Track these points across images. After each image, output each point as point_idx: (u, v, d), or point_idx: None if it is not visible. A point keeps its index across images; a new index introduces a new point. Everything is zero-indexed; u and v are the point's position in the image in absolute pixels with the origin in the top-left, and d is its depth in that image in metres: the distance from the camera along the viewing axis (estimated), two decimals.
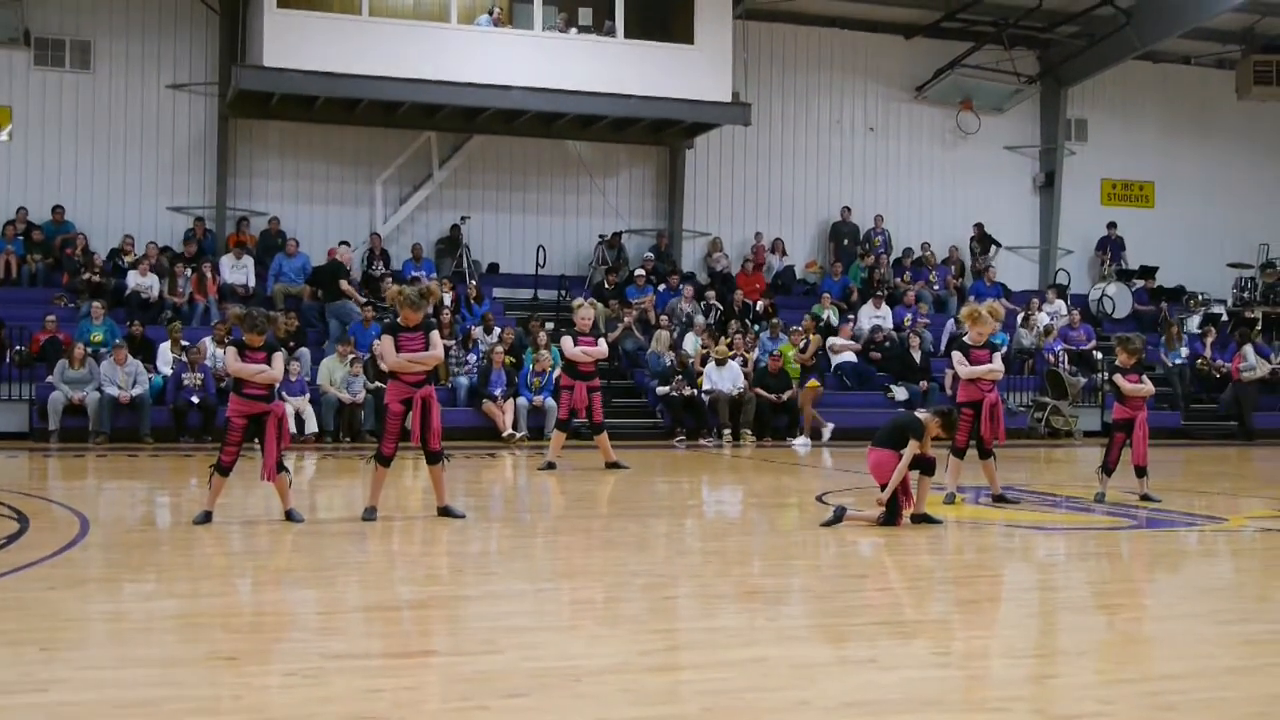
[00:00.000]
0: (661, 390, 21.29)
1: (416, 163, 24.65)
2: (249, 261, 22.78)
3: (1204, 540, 10.78)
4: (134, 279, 21.70)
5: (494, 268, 25.11)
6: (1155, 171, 29.45)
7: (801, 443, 20.47)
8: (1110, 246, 28.40)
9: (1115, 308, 27.05)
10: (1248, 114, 29.12)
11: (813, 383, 21.07)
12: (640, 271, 24.40)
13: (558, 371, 18.27)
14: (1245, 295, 28.05)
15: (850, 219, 26.98)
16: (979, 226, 27.57)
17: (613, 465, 15.39)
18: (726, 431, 20.81)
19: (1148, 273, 27.86)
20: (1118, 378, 12.54)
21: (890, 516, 10.25)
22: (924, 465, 10.43)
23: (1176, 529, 11.19)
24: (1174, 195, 29.41)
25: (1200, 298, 27.84)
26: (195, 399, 19.07)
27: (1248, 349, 24.69)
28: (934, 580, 8.51)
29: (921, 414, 10.73)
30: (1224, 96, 28.58)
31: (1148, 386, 12.64)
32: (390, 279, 21.48)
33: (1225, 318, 27.50)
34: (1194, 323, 27.01)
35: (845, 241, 26.73)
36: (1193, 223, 29.19)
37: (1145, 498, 12.41)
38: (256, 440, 10.16)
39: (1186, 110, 29.41)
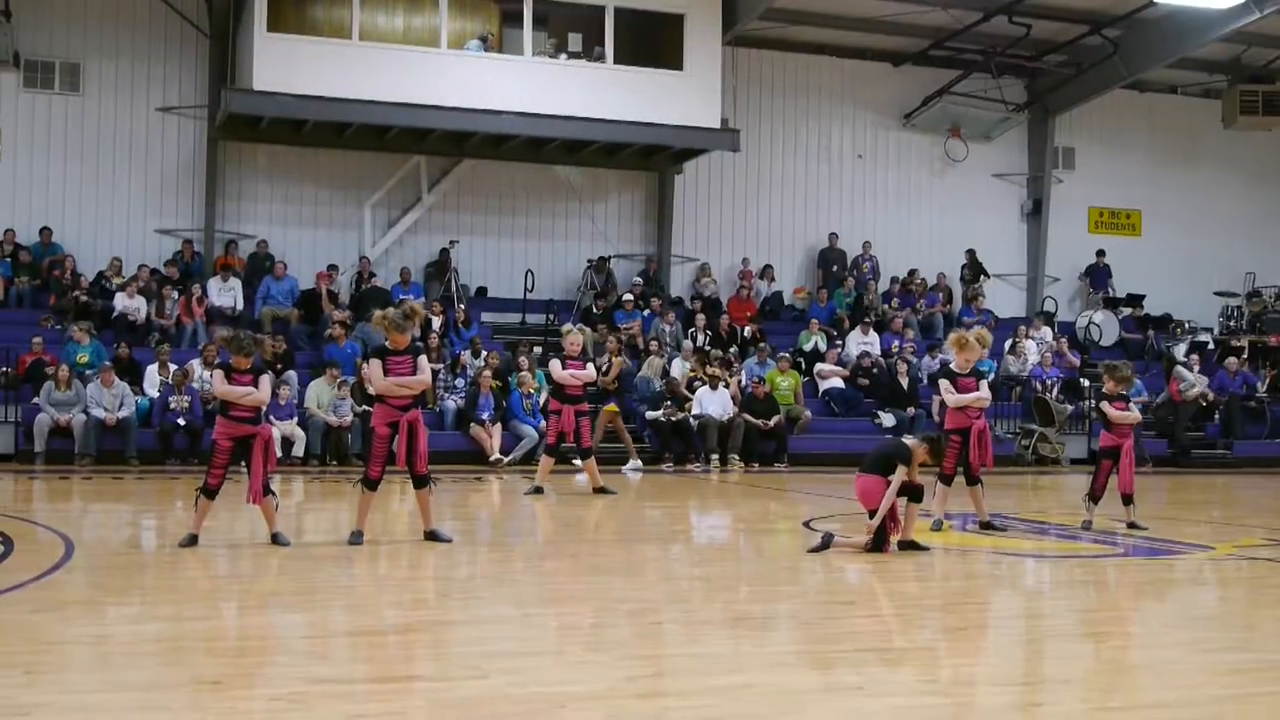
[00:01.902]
0: (650, 415, 21.27)
1: (405, 186, 24.67)
2: (237, 284, 22.75)
3: (1191, 569, 10.78)
4: (121, 301, 21.66)
5: (482, 291, 25.10)
6: (1142, 200, 29.54)
7: (632, 466, 19.82)
8: (1096, 275, 28.48)
9: (1102, 335, 27.11)
10: (1234, 143, 29.26)
11: (610, 406, 20.38)
12: (628, 296, 24.42)
13: (544, 395, 18.28)
14: (1232, 324, 28.15)
15: (838, 245, 27.02)
16: (971, 253, 27.61)
17: (600, 490, 15.35)
18: (714, 457, 20.79)
19: (1134, 301, 27.94)
20: (1104, 405, 12.57)
21: (877, 543, 10.24)
22: (912, 492, 10.43)
23: (1163, 557, 11.20)
24: (1161, 224, 29.51)
25: (1187, 326, 27.92)
26: (182, 421, 19.02)
27: (1179, 369, 24.73)
28: (921, 607, 8.50)
29: (909, 440, 10.74)
30: (1211, 126, 28.73)
31: (1134, 414, 12.67)
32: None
33: (1212, 346, 27.59)
34: (1180, 351, 27.08)
35: (835, 268, 26.78)
36: (1179, 251, 29.28)
37: (1132, 525, 12.41)
38: (243, 463, 10.13)
39: (1173, 139, 29.53)
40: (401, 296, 22.22)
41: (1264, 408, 25.25)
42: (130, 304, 21.65)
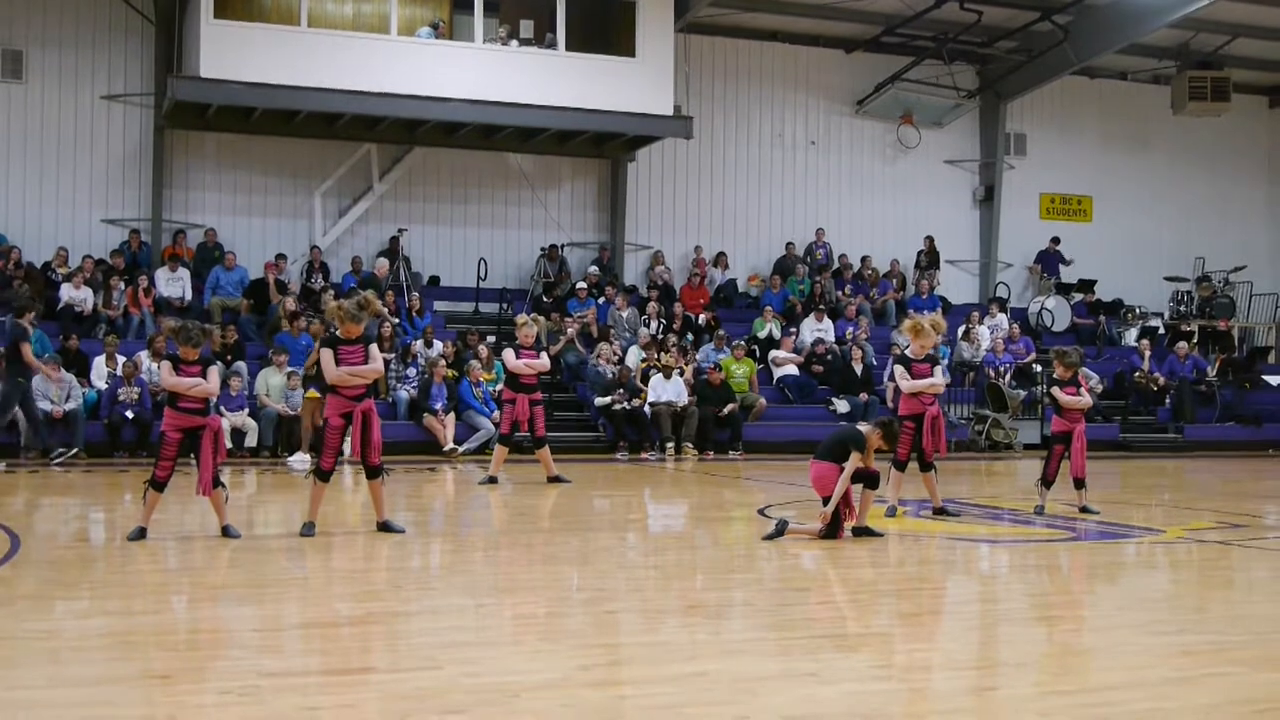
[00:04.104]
0: (601, 402, 21.25)
1: (356, 175, 24.50)
2: (185, 274, 22.53)
3: (1142, 552, 10.87)
4: (68, 292, 21.41)
5: (434, 280, 24.98)
6: (1093, 186, 29.75)
7: (298, 459, 19.01)
8: (1047, 260, 28.63)
9: (1054, 321, 27.29)
10: (1183, 129, 29.51)
11: (312, 393, 19.12)
12: (582, 285, 24.36)
13: (500, 385, 18.20)
14: (1182, 309, 28.42)
15: (793, 233, 27.02)
16: (929, 240, 27.69)
17: (554, 479, 15.31)
18: (669, 445, 20.79)
19: (1086, 286, 28.14)
20: (1055, 391, 12.65)
21: (832, 530, 10.25)
22: (867, 478, 10.45)
23: (1115, 541, 11.29)
24: (1112, 209, 29.74)
25: (1138, 311, 28.16)
26: (130, 413, 18.82)
27: (1084, 370, 24.85)
28: (875, 593, 8.53)
29: (863, 426, 10.76)
30: (1160, 112, 28.95)
31: (1085, 399, 12.75)
32: (330, 292, 21.37)
33: (1162, 330, 27.84)
34: (1131, 335, 27.31)
35: (798, 263, 26.65)
36: (1130, 237, 29.52)
37: (1084, 510, 12.51)
38: (192, 455, 10.03)
39: (1123, 125, 29.75)
40: (353, 285, 22.11)
41: (1214, 392, 25.52)
42: (77, 295, 21.40)
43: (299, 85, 21.82)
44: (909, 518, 12.12)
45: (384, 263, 23.40)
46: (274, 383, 19.72)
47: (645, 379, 21.51)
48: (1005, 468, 20.25)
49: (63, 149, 23.14)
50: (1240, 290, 28.82)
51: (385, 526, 10.55)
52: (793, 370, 23.58)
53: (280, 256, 23.27)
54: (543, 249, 25.32)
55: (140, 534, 9.87)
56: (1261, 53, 28.19)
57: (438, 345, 21.62)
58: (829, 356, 23.84)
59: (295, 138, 23.82)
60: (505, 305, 23.83)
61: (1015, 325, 25.99)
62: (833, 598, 8.43)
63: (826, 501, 10.31)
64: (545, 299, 24.24)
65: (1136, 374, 25.45)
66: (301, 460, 18.72)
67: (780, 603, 8.06)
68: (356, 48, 22.30)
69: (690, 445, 20.97)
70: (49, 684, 5.68)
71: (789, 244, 26.94)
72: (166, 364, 10.10)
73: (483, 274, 24.51)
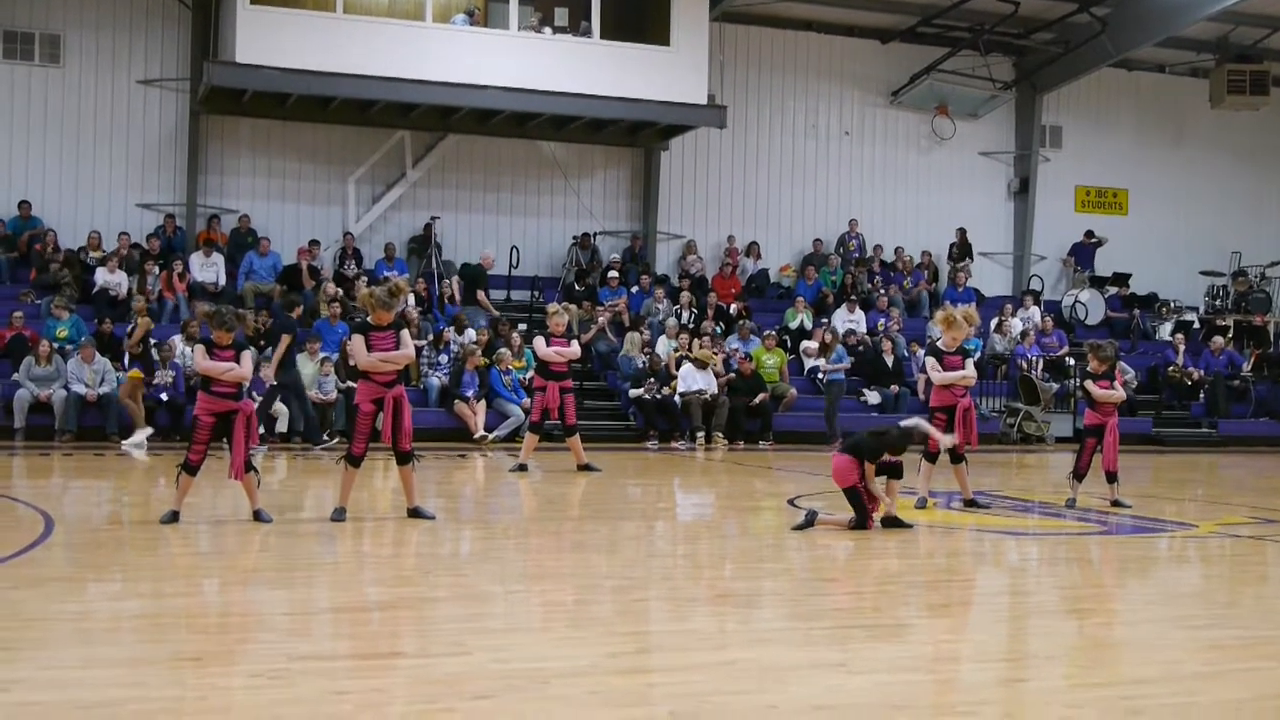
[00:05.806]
0: (635, 393, 21.25)
1: (390, 161, 24.55)
2: (219, 259, 22.64)
3: (1174, 546, 10.81)
4: (102, 276, 21.54)
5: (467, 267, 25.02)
6: (1129, 179, 29.55)
7: (134, 442, 18.38)
8: (1081, 253, 28.45)
9: (1088, 314, 27.13)
10: (1221, 123, 29.26)
11: (135, 372, 18.95)
12: (613, 273, 24.35)
13: (530, 373, 18.26)
14: (1217, 303, 28.21)
15: (826, 223, 26.95)
16: (961, 232, 27.56)
17: (584, 467, 15.33)
18: (699, 434, 20.77)
19: (1120, 280, 27.96)
20: (1089, 384, 12.57)
21: (861, 520, 10.24)
22: (891, 469, 10.44)
23: (1146, 535, 11.22)
24: (1147, 203, 29.53)
25: (1173, 305, 27.96)
26: (164, 397, 18.92)
27: (1120, 364, 24.70)
28: (904, 584, 8.51)
29: (894, 432, 10.63)
30: (1198, 105, 28.71)
31: (1119, 393, 12.67)
32: (364, 278, 21.43)
33: (1197, 325, 27.65)
34: (1166, 330, 27.13)
35: (831, 254, 26.61)
36: (1166, 230, 29.32)
37: (1116, 503, 12.44)
38: (225, 439, 10.08)
39: (1160, 118, 29.53)
40: (386, 273, 22.16)
41: (1248, 387, 25.33)
42: (111, 279, 21.53)
43: (334, 72, 21.87)
44: (939, 509, 12.08)
45: (490, 253, 23.88)
46: (306, 371, 19.78)
47: (677, 368, 21.50)
48: (1037, 461, 20.15)
49: (99, 133, 23.27)
50: (1276, 285, 28.57)
51: (415, 512, 10.58)
52: (824, 361, 23.52)
53: (314, 242, 23.36)
54: (575, 237, 25.33)
55: (172, 517, 9.93)
56: None
57: (469, 332, 21.65)
58: (860, 348, 23.77)
59: (330, 124, 23.89)
60: (537, 293, 23.85)
61: (1048, 318, 25.86)
62: (862, 588, 8.41)
63: (846, 492, 10.33)
64: (577, 287, 24.25)
65: (1170, 368, 25.29)
66: (138, 444, 18.24)
67: (809, 592, 8.05)
68: (391, 34, 22.34)
69: (720, 435, 20.96)
70: (80, 665, 5.71)
71: (816, 240, 26.87)
72: (200, 348, 10.15)
73: (515, 262, 24.53)
